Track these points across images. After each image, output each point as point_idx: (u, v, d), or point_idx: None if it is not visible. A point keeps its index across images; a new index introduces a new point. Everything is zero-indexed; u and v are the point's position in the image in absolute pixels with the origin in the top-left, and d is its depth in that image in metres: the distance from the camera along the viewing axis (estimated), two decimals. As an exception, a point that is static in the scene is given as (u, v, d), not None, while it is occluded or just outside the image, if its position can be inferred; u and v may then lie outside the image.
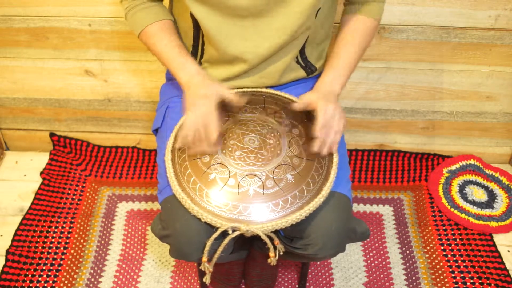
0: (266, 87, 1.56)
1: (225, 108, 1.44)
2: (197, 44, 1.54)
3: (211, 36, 1.44)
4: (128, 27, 1.52)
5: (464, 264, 2.02)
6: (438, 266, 2.02)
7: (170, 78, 1.70)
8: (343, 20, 1.59)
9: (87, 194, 2.29)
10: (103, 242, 2.11)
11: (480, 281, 1.96)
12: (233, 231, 1.26)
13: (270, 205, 1.27)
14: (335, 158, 1.38)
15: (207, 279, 1.41)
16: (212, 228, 1.30)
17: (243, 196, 1.28)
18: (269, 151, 1.36)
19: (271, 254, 1.33)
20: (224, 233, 1.27)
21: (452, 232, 2.14)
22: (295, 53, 1.51)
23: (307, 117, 1.47)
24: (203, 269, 1.38)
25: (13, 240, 2.06)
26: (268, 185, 1.30)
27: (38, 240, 2.08)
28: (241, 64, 1.49)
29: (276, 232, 1.31)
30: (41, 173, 2.34)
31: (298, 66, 1.57)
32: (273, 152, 1.36)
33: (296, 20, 1.39)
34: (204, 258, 1.34)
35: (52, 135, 2.45)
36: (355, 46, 1.54)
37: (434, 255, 2.06)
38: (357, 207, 2.26)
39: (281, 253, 1.36)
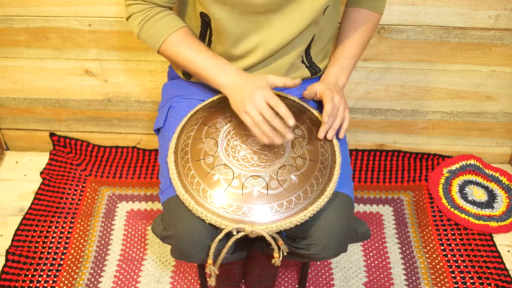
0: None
1: (228, 109, 1.44)
2: (203, 43, 1.54)
3: (225, 34, 1.44)
4: (145, 42, 1.49)
5: (464, 264, 2.02)
6: (438, 266, 2.02)
7: (173, 77, 1.70)
8: (346, 12, 1.61)
9: (87, 194, 2.29)
10: (103, 242, 2.11)
11: (480, 281, 1.96)
12: (238, 232, 1.26)
13: (274, 206, 1.27)
14: (338, 159, 1.38)
15: (212, 281, 1.41)
16: (214, 229, 1.30)
17: (247, 197, 1.28)
18: (272, 152, 1.36)
19: (276, 255, 1.32)
20: (228, 234, 1.27)
21: (452, 232, 2.15)
22: (301, 50, 1.51)
23: (310, 118, 1.47)
24: (208, 272, 1.38)
25: (13, 240, 2.05)
26: (272, 186, 1.30)
27: (38, 240, 2.08)
28: (249, 59, 1.49)
29: (278, 232, 1.31)
30: (41, 173, 2.34)
31: (303, 65, 1.57)
32: (276, 153, 1.36)
33: (309, 15, 1.40)
34: (210, 261, 1.34)
35: (52, 135, 2.45)
36: (358, 39, 1.58)
37: (434, 255, 2.06)
38: (357, 207, 2.26)
39: (285, 254, 1.37)
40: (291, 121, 1.31)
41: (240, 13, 1.39)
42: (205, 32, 1.51)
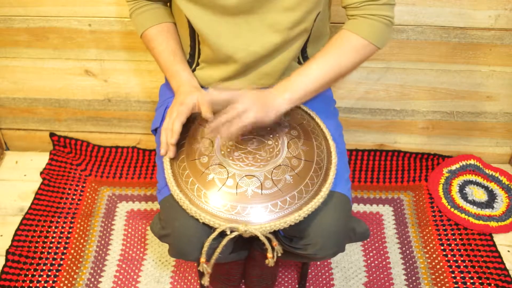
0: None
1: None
2: (194, 44, 1.54)
3: (204, 36, 1.44)
4: (133, 27, 1.55)
5: (464, 264, 2.02)
6: (438, 266, 2.02)
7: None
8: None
9: (87, 194, 2.29)
10: (103, 242, 2.11)
11: (480, 281, 1.96)
12: (231, 231, 1.26)
13: (268, 205, 1.27)
14: (334, 160, 1.38)
15: (205, 281, 1.41)
16: (210, 227, 1.30)
17: (242, 197, 1.28)
18: (267, 152, 1.36)
19: (269, 255, 1.32)
20: (223, 234, 1.27)
21: (452, 232, 2.14)
22: (294, 55, 1.50)
23: (306, 119, 1.47)
24: (201, 270, 1.38)
25: (13, 240, 2.06)
26: (267, 186, 1.30)
27: (38, 240, 2.09)
28: (233, 63, 1.48)
29: (275, 232, 1.30)
30: (41, 173, 2.35)
31: (298, 66, 1.56)
32: (271, 153, 1.36)
33: (287, 16, 1.38)
34: (202, 259, 1.34)
35: (52, 135, 2.46)
36: (326, 63, 1.40)
37: (434, 255, 2.06)
38: (357, 207, 2.26)
39: (279, 255, 1.36)
40: (173, 140, 1.36)
41: (214, 14, 1.39)
42: (193, 33, 1.51)
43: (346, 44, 1.40)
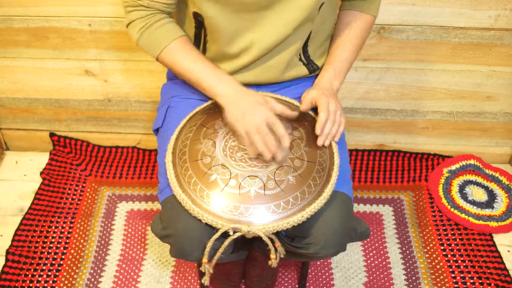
0: (269, 83, 1.57)
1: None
2: (198, 43, 1.54)
3: (219, 32, 1.44)
4: (144, 49, 1.49)
5: (464, 264, 2.02)
6: (438, 266, 2.02)
7: (171, 77, 1.70)
8: (340, 15, 1.61)
9: (87, 194, 2.29)
10: (103, 242, 2.11)
11: (480, 281, 1.96)
12: (234, 232, 1.26)
13: (271, 206, 1.27)
14: (337, 160, 1.38)
15: (206, 281, 1.41)
16: (213, 228, 1.30)
17: (244, 197, 1.28)
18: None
19: (272, 256, 1.32)
20: (225, 234, 1.27)
21: (452, 232, 2.14)
22: (297, 47, 1.50)
23: (308, 119, 1.47)
24: (203, 271, 1.38)
25: (13, 240, 2.06)
26: (270, 186, 1.30)
27: (38, 240, 2.08)
28: (245, 57, 1.49)
29: (277, 232, 1.30)
30: (41, 173, 2.34)
31: (300, 63, 1.57)
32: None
33: (303, 13, 1.40)
34: (205, 259, 1.34)
35: (52, 135, 2.45)
36: (352, 43, 1.58)
37: (434, 255, 2.06)
38: (357, 207, 2.26)
39: (282, 256, 1.37)
40: (286, 142, 1.32)
41: (232, 11, 1.39)
42: (200, 32, 1.51)
43: (365, 26, 1.61)
